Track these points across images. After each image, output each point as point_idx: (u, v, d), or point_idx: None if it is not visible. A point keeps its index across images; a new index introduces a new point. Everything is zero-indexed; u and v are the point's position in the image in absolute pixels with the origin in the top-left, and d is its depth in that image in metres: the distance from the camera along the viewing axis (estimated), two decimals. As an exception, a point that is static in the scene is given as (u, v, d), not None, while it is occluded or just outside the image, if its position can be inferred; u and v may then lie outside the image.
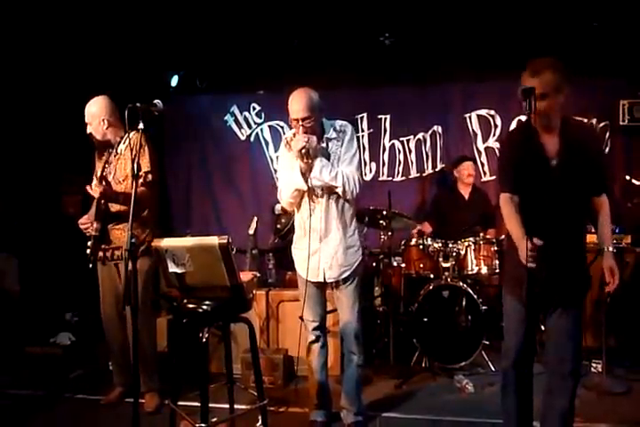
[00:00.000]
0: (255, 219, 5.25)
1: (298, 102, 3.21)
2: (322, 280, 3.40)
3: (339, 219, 3.36)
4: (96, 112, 3.84)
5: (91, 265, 3.88)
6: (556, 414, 2.92)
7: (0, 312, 5.12)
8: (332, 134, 3.34)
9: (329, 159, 3.30)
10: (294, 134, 3.32)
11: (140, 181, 3.75)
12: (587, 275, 2.89)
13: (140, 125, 3.10)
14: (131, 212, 3.00)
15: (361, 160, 3.50)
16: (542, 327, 3.35)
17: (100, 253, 3.87)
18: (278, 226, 5.15)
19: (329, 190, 3.31)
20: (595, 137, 2.97)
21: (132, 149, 3.74)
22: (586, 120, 5.46)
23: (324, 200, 3.33)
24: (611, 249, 2.80)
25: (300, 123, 3.20)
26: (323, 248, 3.36)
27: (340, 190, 3.28)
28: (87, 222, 3.86)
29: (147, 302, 3.85)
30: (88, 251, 3.88)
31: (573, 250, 2.81)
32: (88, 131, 3.87)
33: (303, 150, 3.18)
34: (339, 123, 3.41)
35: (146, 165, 3.71)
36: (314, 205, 3.34)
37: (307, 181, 3.24)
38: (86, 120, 3.86)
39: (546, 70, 2.68)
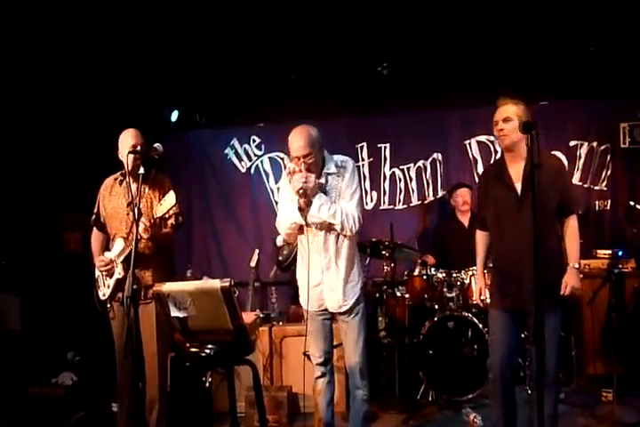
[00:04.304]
0: (257, 251, 5.24)
1: (298, 140, 3.24)
2: (323, 309, 3.38)
3: (336, 254, 3.33)
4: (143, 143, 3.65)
5: (105, 307, 3.80)
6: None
7: (1, 352, 5.07)
8: (332, 169, 3.34)
9: (327, 194, 3.29)
10: (294, 169, 3.30)
11: (171, 221, 3.72)
12: (556, 289, 3.14)
13: (141, 170, 3.10)
14: (132, 255, 2.99)
15: (362, 197, 3.48)
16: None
17: (119, 295, 3.72)
18: (280, 258, 5.13)
19: (328, 227, 3.29)
20: (555, 162, 3.35)
21: (159, 191, 3.73)
22: (587, 143, 5.54)
23: (321, 236, 3.32)
24: (575, 266, 3.21)
25: (302, 160, 3.22)
26: (324, 280, 3.35)
27: (338, 227, 3.26)
28: (110, 264, 3.75)
29: (166, 346, 3.77)
30: (102, 295, 3.82)
31: (543, 265, 2.92)
32: (133, 158, 3.62)
33: (301, 191, 3.18)
34: (340, 158, 3.41)
35: (177, 206, 3.57)
36: (312, 239, 3.32)
37: (305, 217, 3.24)
38: (138, 148, 3.63)
39: (509, 102, 3.26)
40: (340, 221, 3.23)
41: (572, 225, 3.29)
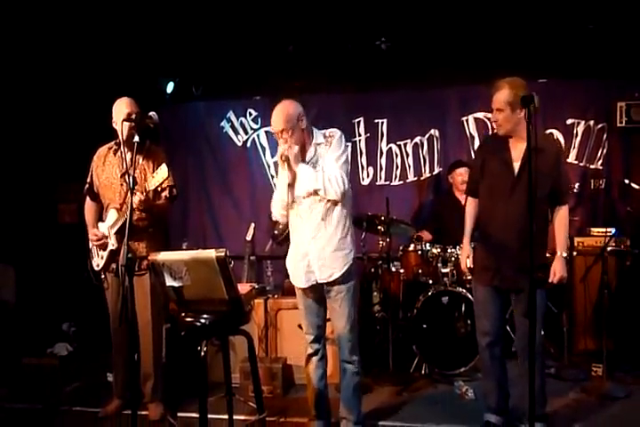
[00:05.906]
0: (253, 225, 5.24)
1: (275, 116, 3.29)
2: (314, 284, 3.34)
3: (324, 219, 3.30)
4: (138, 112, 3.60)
5: (99, 278, 3.81)
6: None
7: (-3, 323, 5.09)
8: (319, 140, 3.35)
9: (315, 166, 3.30)
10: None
11: (165, 194, 3.72)
12: (545, 267, 3.25)
13: (136, 138, 3.07)
14: (127, 225, 2.98)
15: (348, 160, 3.45)
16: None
17: (113, 265, 3.75)
18: (276, 232, 5.10)
19: (313, 194, 3.28)
20: (554, 148, 3.35)
21: (152, 163, 3.72)
22: (583, 122, 5.52)
23: (307, 202, 3.31)
24: (564, 255, 3.28)
25: (279, 135, 3.27)
26: (311, 250, 3.32)
27: (321, 192, 3.23)
28: (102, 239, 3.74)
29: (160, 315, 3.80)
30: (96, 266, 3.82)
31: (526, 245, 2.92)
32: (128, 126, 3.53)
33: (283, 157, 3.22)
34: (328, 130, 3.41)
35: (170, 179, 3.57)
36: (298, 207, 3.33)
37: (288, 193, 3.28)
38: (132, 116, 3.54)
39: (503, 88, 3.18)
40: (322, 184, 3.20)
41: (562, 215, 3.35)
